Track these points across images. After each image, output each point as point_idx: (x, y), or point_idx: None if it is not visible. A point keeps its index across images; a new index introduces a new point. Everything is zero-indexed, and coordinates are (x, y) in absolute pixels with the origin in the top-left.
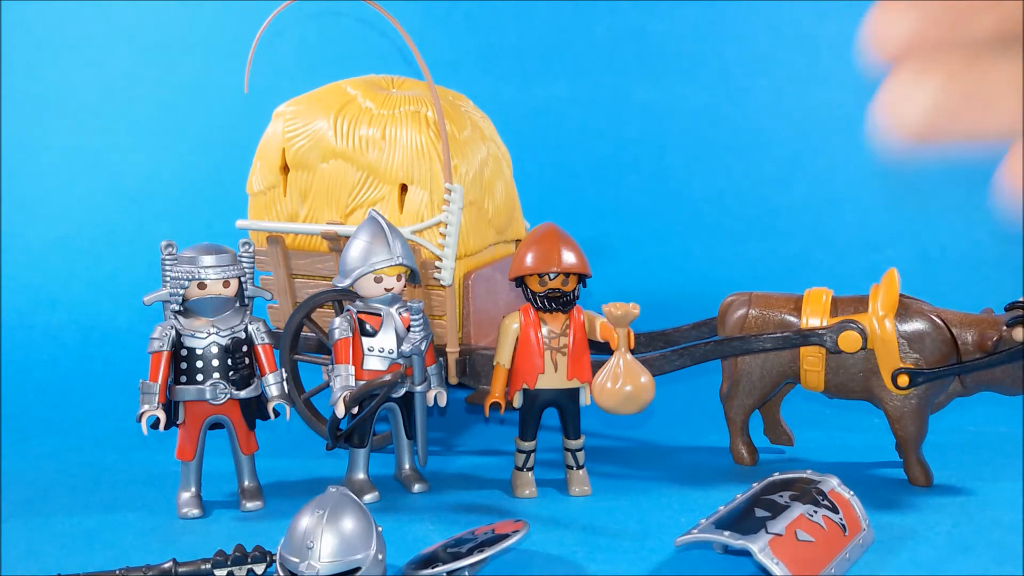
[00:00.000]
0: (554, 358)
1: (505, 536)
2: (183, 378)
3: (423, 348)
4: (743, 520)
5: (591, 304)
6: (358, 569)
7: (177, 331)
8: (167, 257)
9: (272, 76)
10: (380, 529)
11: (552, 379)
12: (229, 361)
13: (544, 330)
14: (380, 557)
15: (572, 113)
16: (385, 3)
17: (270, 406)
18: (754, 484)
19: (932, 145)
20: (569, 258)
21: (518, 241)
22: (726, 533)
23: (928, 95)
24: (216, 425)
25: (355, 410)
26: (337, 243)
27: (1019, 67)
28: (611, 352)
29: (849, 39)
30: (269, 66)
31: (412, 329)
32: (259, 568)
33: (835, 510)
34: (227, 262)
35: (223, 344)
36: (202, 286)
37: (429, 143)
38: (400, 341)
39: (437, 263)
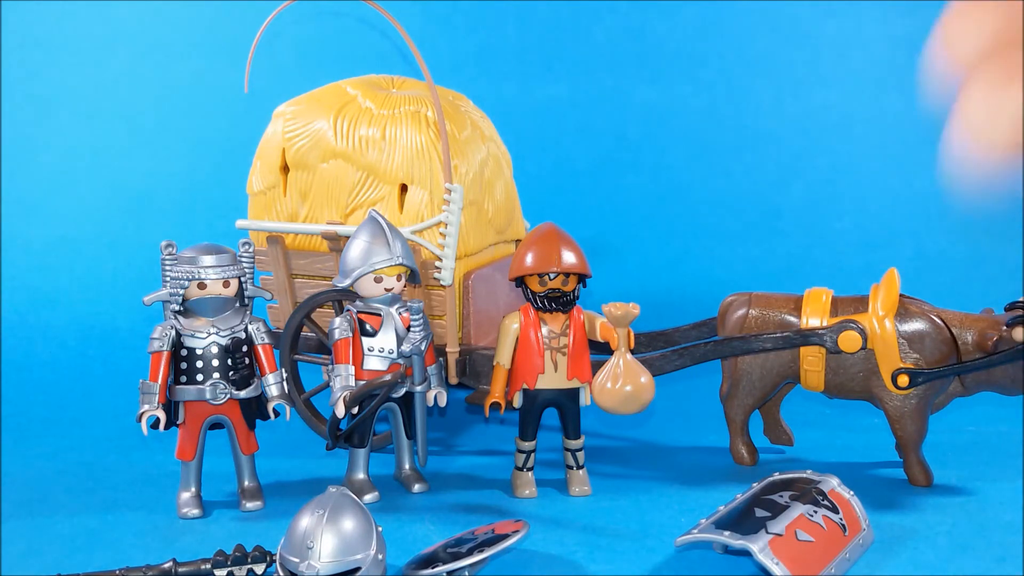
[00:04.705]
0: (554, 358)
1: (505, 536)
2: (183, 378)
3: (423, 348)
4: (743, 520)
5: (591, 304)
6: (358, 569)
7: (177, 331)
8: (167, 257)
9: (272, 76)
10: (380, 529)
11: (552, 379)
12: (229, 361)
13: (544, 330)
14: (380, 557)
15: (572, 113)
16: (385, 3)
17: (270, 406)
18: (754, 484)
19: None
20: (569, 258)
21: (518, 241)
22: (726, 533)
23: (1016, 103)
24: (216, 425)
25: (355, 410)
26: (337, 243)
27: None
28: (611, 352)
29: (849, 39)
30: (269, 66)
31: (412, 329)
32: (259, 568)
33: (835, 510)
34: (227, 262)
35: (223, 344)
36: (202, 286)
37: (429, 143)
38: (400, 341)
39: (437, 263)
